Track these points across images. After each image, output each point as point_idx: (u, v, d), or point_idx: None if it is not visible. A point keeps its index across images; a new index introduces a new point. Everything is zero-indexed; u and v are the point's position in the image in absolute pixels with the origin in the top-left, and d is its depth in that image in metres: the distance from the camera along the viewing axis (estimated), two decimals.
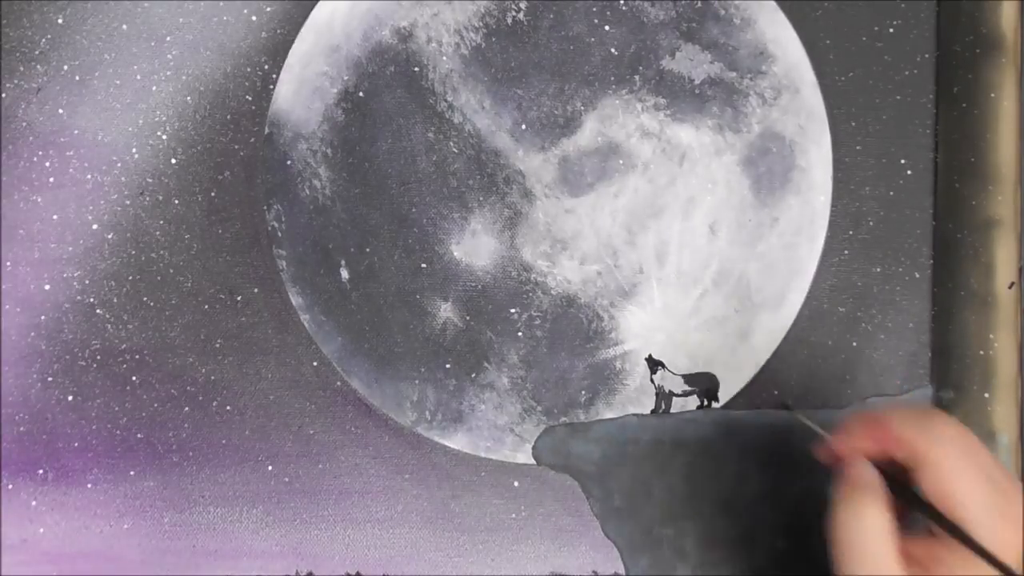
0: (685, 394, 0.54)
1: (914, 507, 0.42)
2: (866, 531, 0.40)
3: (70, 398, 0.53)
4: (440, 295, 0.54)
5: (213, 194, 0.54)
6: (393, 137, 0.54)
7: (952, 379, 0.54)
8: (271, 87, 0.54)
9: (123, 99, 0.54)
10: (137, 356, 0.53)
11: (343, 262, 0.54)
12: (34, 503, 0.53)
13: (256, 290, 0.54)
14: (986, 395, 0.53)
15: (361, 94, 0.54)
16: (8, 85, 0.53)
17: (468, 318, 0.54)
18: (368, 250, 0.54)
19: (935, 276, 0.54)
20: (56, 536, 0.53)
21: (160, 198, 0.54)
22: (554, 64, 0.54)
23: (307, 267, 0.54)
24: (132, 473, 0.53)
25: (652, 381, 0.54)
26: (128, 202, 0.53)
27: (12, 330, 0.53)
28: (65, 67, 0.53)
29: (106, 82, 0.53)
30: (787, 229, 0.54)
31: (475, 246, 0.54)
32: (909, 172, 0.55)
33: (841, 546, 0.41)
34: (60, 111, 0.53)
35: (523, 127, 0.54)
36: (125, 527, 0.53)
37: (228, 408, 0.53)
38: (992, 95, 0.54)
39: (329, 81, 0.54)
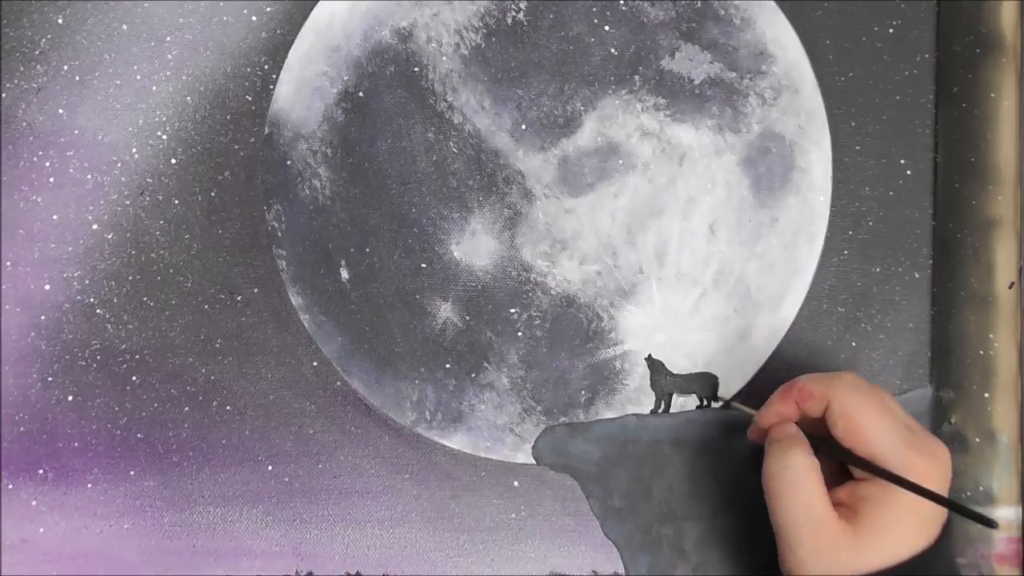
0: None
1: (834, 454, 0.45)
2: (794, 473, 0.43)
3: (70, 398, 0.53)
4: (440, 295, 0.54)
5: (213, 194, 0.54)
6: (393, 137, 0.54)
7: (952, 379, 0.54)
8: (271, 87, 0.54)
9: (123, 99, 0.54)
10: (137, 356, 0.53)
11: (343, 262, 0.54)
12: (34, 503, 0.53)
13: (256, 290, 0.54)
14: (986, 395, 0.53)
15: (361, 94, 0.54)
16: (8, 85, 0.53)
17: (468, 318, 0.54)
18: (368, 250, 0.54)
19: (935, 276, 0.54)
20: (56, 536, 0.53)
21: (160, 198, 0.54)
22: (554, 64, 0.54)
23: (307, 267, 0.54)
24: (132, 473, 0.53)
25: (652, 385, 0.54)
26: (128, 202, 0.53)
27: (12, 330, 0.53)
28: (65, 67, 0.53)
29: (106, 82, 0.54)
30: (787, 229, 0.54)
31: (475, 246, 0.54)
32: (909, 172, 0.55)
33: (772, 492, 0.44)
34: (60, 111, 0.53)
35: (523, 127, 0.54)
36: (125, 527, 0.53)
37: (228, 408, 0.53)
38: (992, 95, 0.54)
39: (329, 81, 0.54)
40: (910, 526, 0.42)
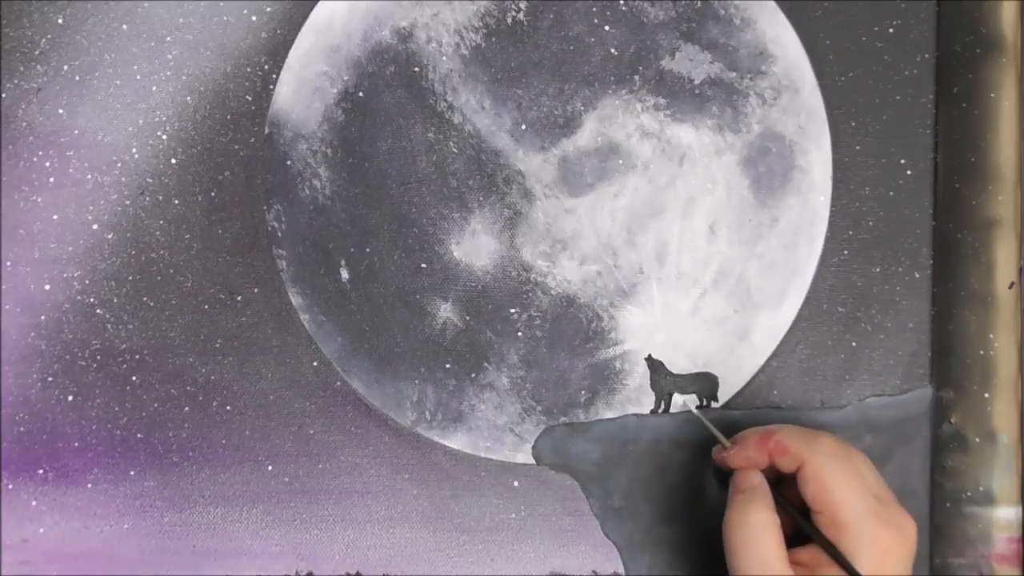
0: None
1: (788, 512, 0.45)
2: (753, 529, 0.43)
3: (70, 398, 0.53)
4: (440, 295, 0.54)
5: (213, 194, 0.54)
6: (393, 137, 0.54)
7: (952, 379, 0.54)
8: (271, 87, 0.54)
9: (123, 99, 0.54)
10: (137, 356, 0.53)
11: (343, 262, 0.54)
12: (34, 503, 0.53)
13: (256, 290, 0.54)
14: (986, 395, 0.53)
15: (361, 94, 0.54)
16: (8, 85, 0.53)
17: (468, 318, 0.54)
18: (368, 250, 0.54)
19: (935, 276, 0.54)
20: (56, 536, 0.53)
21: (160, 198, 0.54)
22: (554, 64, 0.54)
23: (307, 267, 0.54)
24: (132, 473, 0.53)
25: (652, 385, 0.54)
26: (128, 202, 0.53)
27: (12, 330, 0.53)
28: (65, 67, 0.53)
29: (106, 82, 0.54)
30: (787, 229, 0.54)
31: (475, 246, 0.54)
32: (909, 172, 0.55)
33: (731, 545, 0.44)
34: (60, 111, 0.53)
35: (523, 127, 0.54)
36: (125, 527, 0.53)
37: (228, 408, 0.53)
38: (992, 95, 0.54)
39: (329, 81, 0.54)
40: None
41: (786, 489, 0.46)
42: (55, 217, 0.53)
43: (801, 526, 0.45)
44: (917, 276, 0.54)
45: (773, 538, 0.43)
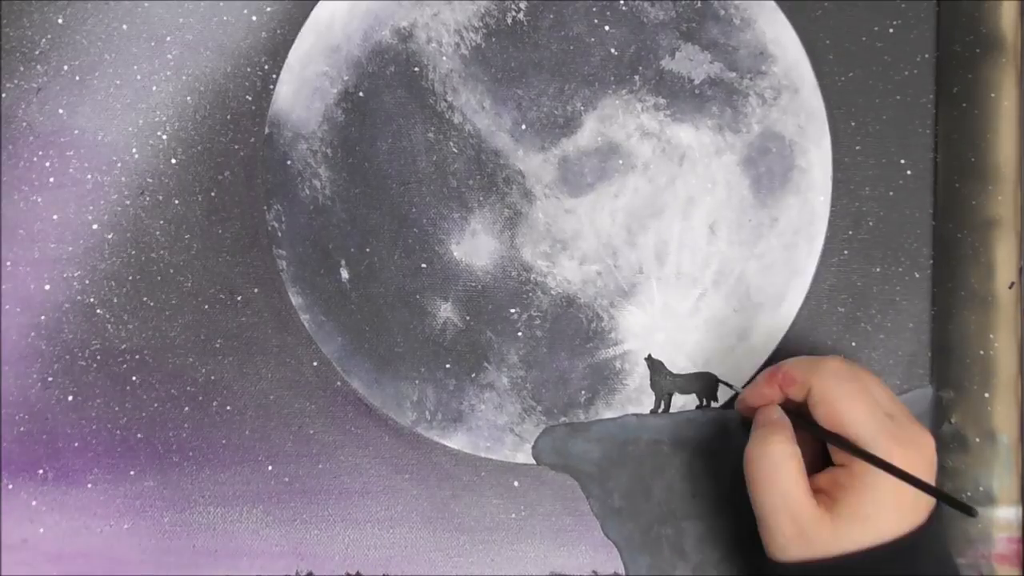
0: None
1: (818, 434, 0.45)
2: (774, 460, 0.44)
3: (70, 398, 0.53)
4: (440, 295, 0.54)
5: (213, 194, 0.54)
6: (393, 137, 0.54)
7: (952, 379, 0.54)
8: (271, 87, 0.54)
9: (123, 99, 0.54)
10: (137, 356, 0.53)
11: (343, 262, 0.54)
12: (34, 503, 0.53)
13: (256, 290, 0.54)
14: (986, 395, 0.53)
15: (361, 94, 0.54)
16: (8, 85, 0.53)
17: (468, 318, 0.54)
18: (368, 250, 0.54)
19: (935, 276, 0.54)
20: (56, 536, 0.53)
21: (160, 198, 0.54)
22: (554, 64, 0.54)
23: (307, 267, 0.54)
24: (132, 473, 0.53)
25: (652, 385, 0.54)
26: (128, 202, 0.53)
27: (12, 330, 0.53)
28: (65, 67, 0.53)
29: (106, 82, 0.54)
30: (787, 229, 0.54)
31: (475, 246, 0.54)
32: (909, 172, 0.55)
33: (752, 477, 0.45)
34: (60, 111, 0.53)
35: (523, 127, 0.54)
36: (125, 527, 0.53)
37: (228, 408, 0.53)
38: (992, 95, 0.54)
39: (329, 81, 0.54)
40: (888, 511, 0.42)
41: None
42: (55, 217, 0.53)
43: (826, 440, 0.45)
44: (917, 276, 0.54)
45: (793, 468, 0.44)
